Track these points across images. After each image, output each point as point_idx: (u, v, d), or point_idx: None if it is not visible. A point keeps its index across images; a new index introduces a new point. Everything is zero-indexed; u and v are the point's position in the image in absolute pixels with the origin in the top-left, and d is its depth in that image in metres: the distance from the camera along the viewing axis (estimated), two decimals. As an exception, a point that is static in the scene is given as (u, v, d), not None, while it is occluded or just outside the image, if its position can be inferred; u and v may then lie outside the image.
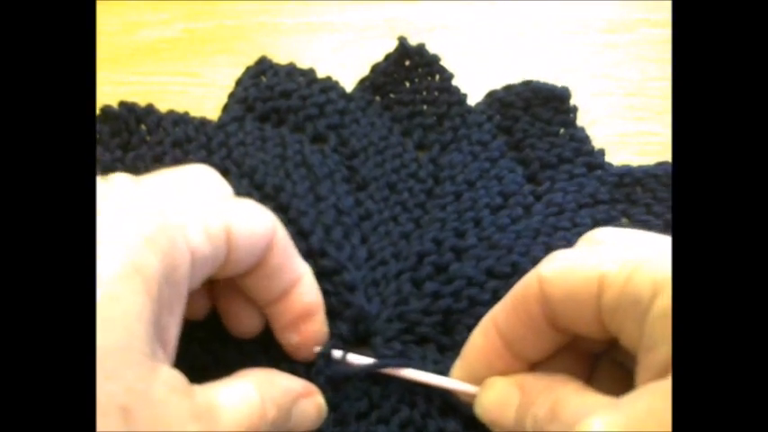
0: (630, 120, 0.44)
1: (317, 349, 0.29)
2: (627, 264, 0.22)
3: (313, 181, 0.35)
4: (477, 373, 0.27)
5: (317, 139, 0.39)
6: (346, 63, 0.41)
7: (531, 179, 0.38)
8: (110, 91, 0.45)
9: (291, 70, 0.41)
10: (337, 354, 0.29)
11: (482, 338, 0.27)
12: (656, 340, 0.20)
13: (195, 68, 0.48)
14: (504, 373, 0.26)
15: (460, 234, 0.34)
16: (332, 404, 0.29)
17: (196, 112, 0.41)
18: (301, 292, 0.28)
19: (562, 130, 0.39)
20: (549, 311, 0.24)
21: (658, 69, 0.47)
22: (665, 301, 0.20)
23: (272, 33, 0.51)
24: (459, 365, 0.28)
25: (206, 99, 0.45)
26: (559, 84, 0.40)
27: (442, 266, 0.33)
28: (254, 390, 0.24)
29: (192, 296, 0.25)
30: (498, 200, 0.36)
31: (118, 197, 0.23)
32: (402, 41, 0.41)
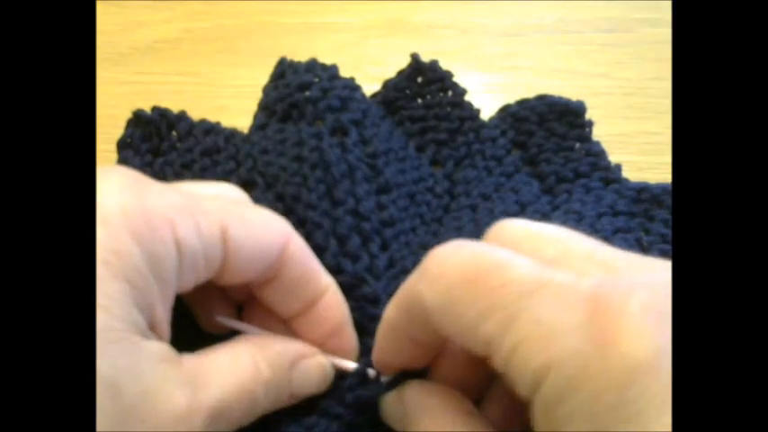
0: (630, 120, 0.44)
1: (352, 366, 0.28)
2: (512, 334, 0.19)
3: (330, 183, 0.34)
4: (388, 358, 0.26)
5: (338, 131, 0.37)
6: (347, 63, 0.41)
7: (547, 193, 0.38)
8: (110, 91, 0.45)
9: (312, 65, 0.40)
10: (371, 372, 0.27)
11: (393, 315, 0.24)
12: (542, 426, 0.19)
13: (195, 68, 0.48)
14: (413, 354, 0.25)
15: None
16: (354, 429, 0.27)
17: (195, 112, 0.41)
18: (326, 307, 0.28)
19: (578, 145, 0.39)
20: (433, 327, 0.22)
21: (658, 69, 0.47)
22: (547, 390, 0.18)
23: (272, 33, 0.51)
24: (375, 347, 0.26)
25: (206, 99, 0.45)
26: (560, 83, 0.40)
27: None
28: (245, 353, 0.24)
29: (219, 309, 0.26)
30: (515, 208, 0.35)
31: (110, 187, 0.23)
32: (415, 57, 0.41)
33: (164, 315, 0.23)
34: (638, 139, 0.42)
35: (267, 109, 0.39)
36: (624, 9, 0.51)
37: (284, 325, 0.28)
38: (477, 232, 0.33)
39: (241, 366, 0.24)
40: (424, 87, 0.41)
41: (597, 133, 0.40)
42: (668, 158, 0.37)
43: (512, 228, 0.23)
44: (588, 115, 0.40)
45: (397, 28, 0.51)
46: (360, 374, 0.27)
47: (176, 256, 0.23)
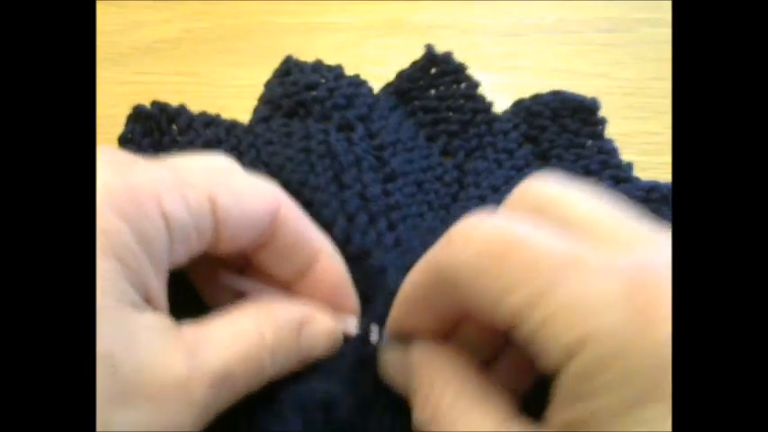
0: (630, 120, 0.44)
1: (354, 326, 0.28)
2: (542, 308, 0.19)
3: (337, 170, 0.34)
4: (404, 327, 0.26)
5: (345, 128, 0.38)
6: (347, 63, 0.41)
7: None
8: (110, 91, 0.45)
9: (318, 66, 0.41)
10: (374, 335, 0.27)
11: (414, 284, 0.25)
12: (568, 398, 0.19)
13: (195, 68, 0.48)
14: (430, 325, 0.25)
15: None
16: (357, 387, 0.27)
17: (195, 111, 0.41)
18: (323, 269, 0.28)
19: (590, 142, 0.39)
20: (456, 298, 0.22)
21: (658, 69, 0.47)
22: (579, 364, 0.18)
23: (272, 33, 0.51)
24: (392, 316, 0.26)
25: (206, 99, 0.45)
26: (560, 83, 0.40)
27: None
28: (248, 319, 0.24)
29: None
30: None
31: (101, 169, 0.23)
32: (429, 48, 0.41)
33: (159, 289, 0.23)
34: (638, 139, 0.42)
35: (271, 103, 0.40)
36: (624, 9, 0.51)
37: (284, 289, 0.28)
38: None
39: (244, 333, 0.24)
40: (437, 79, 0.41)
41: (597, 133, 0.40)
42: (668, 158, 0.37)
43: (537, 192, 0.23)
44: (591, 115, 0.40)
45: (397, 28, 0.51)
46: (362, 336, 0.27)
47: (165, 230, 0.23)
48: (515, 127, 0.40)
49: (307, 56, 0.41)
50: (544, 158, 0.39)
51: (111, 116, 0.38)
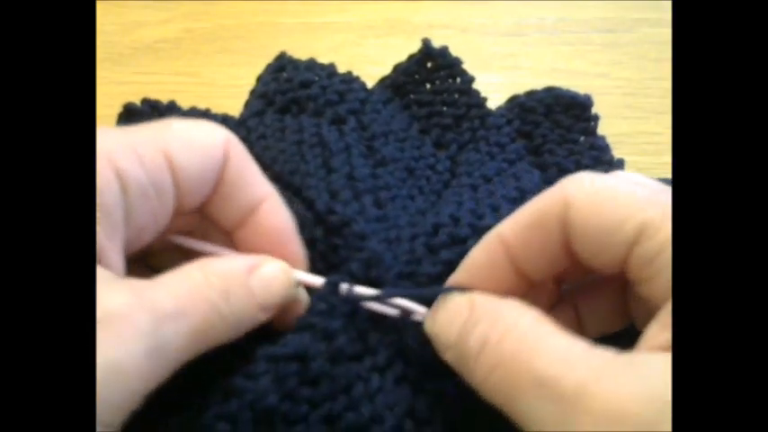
0: (630, 120, 0.44)
1: (300, 276, 0.27)
2: (669, 215, 0.20)
3: (327, 156, 0.34)
4: (474, 287, 0.25)
5: (337, 121, 0.38)
6: (347, 63, 0.41)
7: (548, 184, 0.38)
8: (109, 91, 0.45)
9: (311, 64, 0.41)
10: (344, 286, 0.27)
11: (484, 253, 0.25)
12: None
13: (195, 68, 0.48)
14: (502, 289, 0.24)
15: (479, 216, 0.32)
16: (327, 338, 0.27)
17: (196, 111, 0.41)
18: (267, 215, 0.27)
19: (582, 138, 0.39)
20: (569, 238, 0.23)
21: (658, 69, 0.47)
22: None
23: (271, 33, 0.51)
24: (455, 279, 0.26)
25: (205, 99, 0.45)
26: (560, 83, 0.40)
27: (458, 239, 0.31)
28: (193, 267, 0.24)
29: None
30: (515, 193, 0.35)
31: None
32: (426, 43, 0.41)
33: (111, 251, 0.23)
34: (638, 139, 0.42)
35: (265, 97, 0.40)
36: (624, 9, 0.51)
37: (232, 248, 0.28)
38: (477, 210, 0.33)
39: (190, 277, 0.24)
40: (432, 73, 0.41)
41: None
42: (668, 158, 0.37)
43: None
44: (588, 115, 0.40)
45: (396, 28, 0.51)
46: (331, 287, 0.27)
47: (119, 187, 0.23)
48: (509, 122, 0.40)
49: (307, 56, 0.41)
50: (537, 153, 0.39)
51: (110, 116, 0.38)
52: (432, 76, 0.41)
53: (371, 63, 0.43)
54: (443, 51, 0.41)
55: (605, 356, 0.20)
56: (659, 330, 0.20)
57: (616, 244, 0.22)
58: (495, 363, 0.22)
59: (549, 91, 0.40)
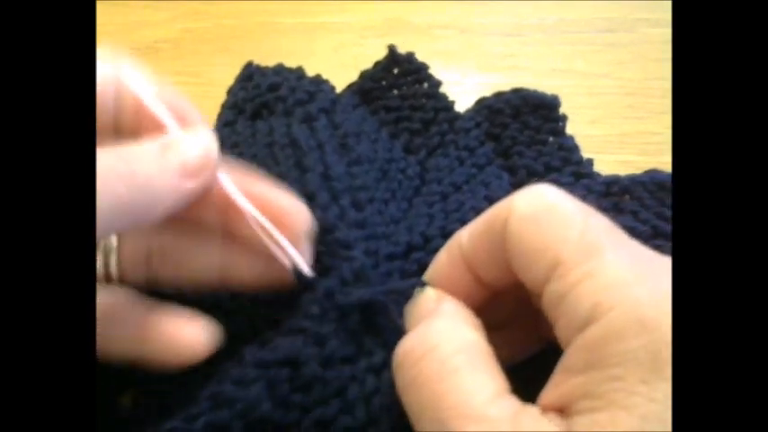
0: (630, 120, 0.44)
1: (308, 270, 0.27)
2: (584, 267, 0.20)
3: (299, 156, 0.34)
4: (438, 287, 0.25)
5: (307, 119, 0.38)
6: (346, 63, 0.41)
7: (517, 187, 0.38)
8: (109, 91, 0.45)
9: (279, 69, 0.41)
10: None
11: (446, 257, 0.25)
12: (577, 367, 0.19)
13: (195, 68, 0.48)
14: (463, 293, 0.25)
15: (447, 235, 0.32)
16: (319, 341, 0.26)
17: (196, 112, 0.41)
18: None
19: (551, 139, 0.39)
20: (506, 248, 0.23)
21: (658, 69, 0.47)
22: (597, 330, 0.19)
23: (271, 33, 0.51)
24: (425, 277, 0.26)
25: (205, 99, 0.45)
26: (560, 83, 0.40)
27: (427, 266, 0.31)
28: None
29: None
30: (484, 204, 0.35)
31: None
32: (392, 49, 0.41)
33: None
34: (638, 139, 0.42)
35: (235, 107, 0.40)
36: (624, 9, 0.51)
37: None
38: (446, 225, 0.33)
39: (101, 159, 0.22)
40: (399, 78, 0.42)
41: (597, 133, 0.40)
42: (668, 158, 0.37)
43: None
44: (588, 115, 0.40)
45: (396, 28, 0.51)
46: (326, 292, 0.27)
47: None
48: (477, 125, 0.40)
49: (306, 56, 0.41)
50: (506, 156, 0.39)
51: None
52: (398, 82, 0.42)
53: (371, 63, 0.43)
54: (410, 57, 0.41)
55: (501, 415, 0.20)
56: (552, 388, 0.20)
57: (536, 271, 0.21)
58: (411, 378, 0.22)
59: (517, 92, 0.40)
